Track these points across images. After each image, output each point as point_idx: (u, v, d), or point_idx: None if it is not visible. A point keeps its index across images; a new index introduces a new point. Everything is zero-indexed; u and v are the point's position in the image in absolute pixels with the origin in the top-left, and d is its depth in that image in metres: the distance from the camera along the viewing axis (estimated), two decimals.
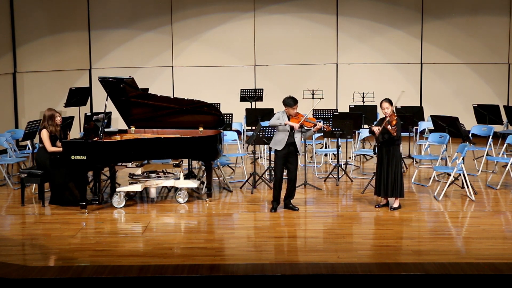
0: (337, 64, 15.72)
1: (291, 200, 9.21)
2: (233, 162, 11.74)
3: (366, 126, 12.23)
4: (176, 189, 9.77)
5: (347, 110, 12.75)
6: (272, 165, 10.17)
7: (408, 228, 8.46)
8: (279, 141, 8.99)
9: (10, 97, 13.92)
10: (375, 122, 9.43)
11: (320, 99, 9.73)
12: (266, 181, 10.57)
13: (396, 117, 8.90)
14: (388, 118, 8.85)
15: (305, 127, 9.06)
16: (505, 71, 15.23)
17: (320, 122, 9.27)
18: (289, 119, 8.98)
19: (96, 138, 9.44)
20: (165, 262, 7.12)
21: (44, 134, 9.40)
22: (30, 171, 9.59)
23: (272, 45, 15.64)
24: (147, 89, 12.45)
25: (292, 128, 8.94)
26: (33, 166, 10.23)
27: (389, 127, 8.78)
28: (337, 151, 10.84)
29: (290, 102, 8.96)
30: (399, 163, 9.09)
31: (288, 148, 8.97)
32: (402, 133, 9.12)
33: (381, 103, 9.01)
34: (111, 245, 7.79)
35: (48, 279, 6.65)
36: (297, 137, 8.99)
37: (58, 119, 9.56)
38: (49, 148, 9.35)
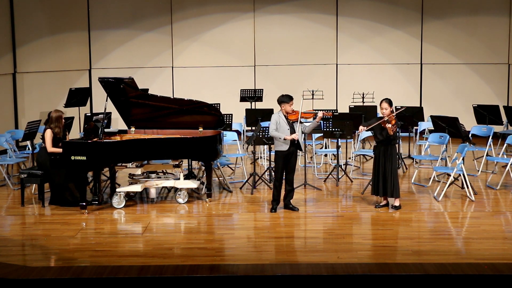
0: (337, 64, 15.72)
1: (291, 200, 9.21)
2: (233, 163, 11.74)
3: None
4: (176, 190, 9.77)
5: (347, 111, 12.75)
6: (272, 165, 10.17)
7: (408, 229, 8.46)
8: (283, 142, 8.98)
9: (10, 98, 13.92)
10: (369, 122, 9.41)
11: (304, 99, 9.63)
12: (266, 182, 10.57)
13: (394, 117, 8.94)
14: (387, 118, 8.88)
15: (305, 120, 9.06)
16: (505, 72, 15.24)
17: (319, 111, 9.27)
18: (286, 117, 8.98)
19: (96, 139, 9.44)
20: (165, 263, 7.12)
21: (48, 133, 9.38)
22: (30, 171, 9.59)
23: (272, 45, 15.64)
24: (147, 90, 12.47)
25: (292, 127, 8.95)
26: (33, 166, 10.23)
27: (388, 125, 8.80)
28: (337, 151, 10.84)
29: (285, 99, 8.98)
30: (395, 163, 9.10)
31: (290, 148, 8.98)
32: (402, 133, 9.15)
33: (380, 103, 9.06)
34: (111, 245, 7.79)
35: (48, 280, 6.65)
36: (299, 134, 9.01)
37: (63, 121, 9.58)
38: (49, 148, 9.35)
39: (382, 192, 9.11)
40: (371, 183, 9.59)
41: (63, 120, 9.59)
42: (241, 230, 8.52)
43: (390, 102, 9.03)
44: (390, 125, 8.81)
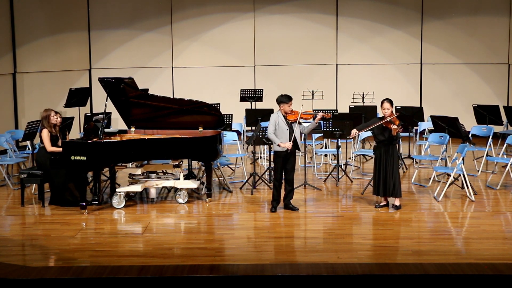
0: (337, 64, 15.72)
1: (291, 200, 9.21)
2: (233, 163, 11.74)
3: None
4: (176, 190, 9.77)
5: (347, 111, 12.75)
6: (272, 165, 10.16)
7: (408, 229, 8.46)
8: (279, 147, 8.99)
9: (10, 98, 13.92)
10: (367, 123, 9.40)
11: (303, 99, 9.59)
12: (266, 182, 10.57)
13: (396, 118, 8.93)
14: (389, 118, 8.86)
15: (305, 121, 9.07)
16: (505, 72, 15.24)
17: (319, 112, 9.30)
18: (285, 117, 8.99)
19: (96, 139, 9.44)
20: (165, 263, 7.12)
21: (45, 133, 9.39)
22: (30, 171, 9.59)
23: (272, 45, 15.64)
24: (147, 90, 12.46)
25: (291, 127, 8.96)
26: (33, 166, 10.23)
27: (394, 126, 8.78)
28: (337, 151, 10.84)
29: (284, 99, 8.99)
30: (397, 162, 9.09)
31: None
32: (402, 133, 9.15)
33: (381, 103, 9.03)
34: (111, 245, 7.79)
35: (48, 280, 6.65)
36: (298, 135, 9.02)
37: (54, 118, 9.50)
38: (49, 148, 9.35)
39: (383, 192, 9.09)
40: (371, 184, 9.58)
41: (55, 117, 9.51)
42: (241, 230, 8.52)
43: (391, 102, 9.01)
44: (395, 126, 8.79)
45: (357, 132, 9.13)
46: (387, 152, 9.00)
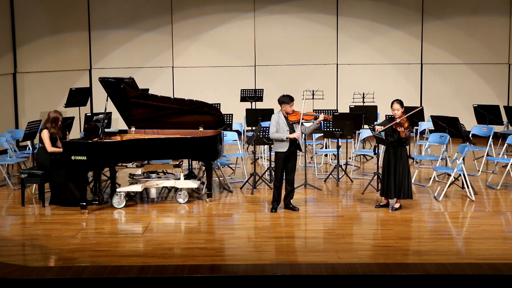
0: (337, 64, 15.72)
1: (292, 200, 9.21)
2: (233, 163, 11.74)
3: (366, 126, 12.22)
4: (176, 190, 9.77)
5: (347, 111, 12.75)
6: (273, 165, 10.17)
7: (408, 229, 8.46)
8: (282, 143, 8.98)
9: (10, 98, 13.92)
10: (376, 122, 9.35)
11: (305, 99, 9.48)
12: (266, 182, 10.57)
13: (406, 120, 8.86)
14: (399, 120, 8.79)
15: (306, 121, 9.06)
16: (505, 72, 15.24)
17: (320, 113, 9.27)
18: (286, 118, 8.98)
19: (96, 139, 9.44)
20: (165, 263, 7.12)
21: (45, 134, 9.40)
22: (30, 171, 9.59)
23: (272, 45, 15.64)
24: (147, 90, 12.46)
25: (292, 128, 8.96)
26: (34, 166, 10.23)
27: (402, 129, 8.74)
28: (337, 151, 10.84)
29: (287, 99, 8.98)
30: (407, 164, 9.02)
31: (290, 148, 8.98)
32: None
33: (391, 104, 8.92)
34: (111, 245, 7.79)
35: (49, 280, 6.65)
36: (300, 135, 9.01)
37: (60, 123, 9.57)
38: (49, 148, 9.36)
39: (395, 195, 8.99)
40: (374, 184, 9.57)
41: (60, 122, 9.56)
42: (241, 230, 8.52)
43: (401, 103, 8.92)
44: (403, 128, 8.74)
45: (380, 128, 8.93)
46: (396, 154, 8.91)
